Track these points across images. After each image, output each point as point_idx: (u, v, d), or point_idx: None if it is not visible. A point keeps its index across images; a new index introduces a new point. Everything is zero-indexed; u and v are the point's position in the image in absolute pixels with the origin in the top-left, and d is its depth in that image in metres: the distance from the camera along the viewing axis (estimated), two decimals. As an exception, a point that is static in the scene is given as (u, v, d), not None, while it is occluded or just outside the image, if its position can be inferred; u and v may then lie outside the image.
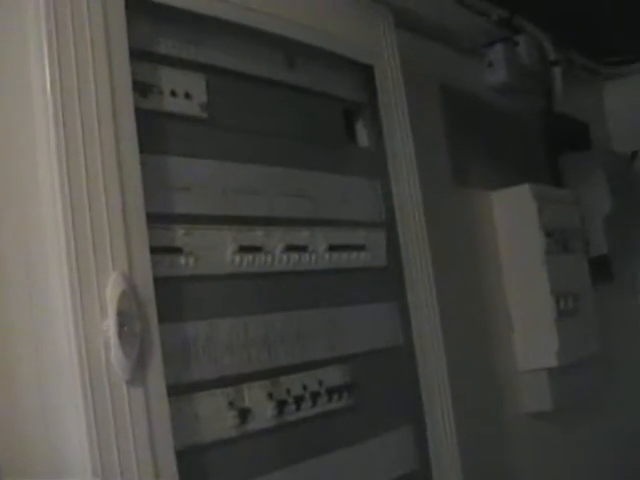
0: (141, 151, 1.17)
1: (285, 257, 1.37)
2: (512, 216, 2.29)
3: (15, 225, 1.12)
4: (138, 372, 1.09)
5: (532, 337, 2.25)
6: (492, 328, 2.24)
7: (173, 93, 1.26)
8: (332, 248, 1.47)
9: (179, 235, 1.22)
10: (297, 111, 1.47)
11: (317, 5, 1.51)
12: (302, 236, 1.42)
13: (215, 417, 1.22)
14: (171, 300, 1.19)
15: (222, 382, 1.24)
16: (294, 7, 1.45)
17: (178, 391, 1.17)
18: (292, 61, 1.47)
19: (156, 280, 1.15)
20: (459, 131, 2.22)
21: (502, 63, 2.39)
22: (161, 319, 1.15)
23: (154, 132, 1.22)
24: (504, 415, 2.21)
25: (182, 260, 1.22)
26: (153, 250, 1.16)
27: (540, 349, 2.23)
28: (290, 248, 1.38)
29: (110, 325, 1.07)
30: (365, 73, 1.63)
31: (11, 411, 1.13)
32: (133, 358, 1.08)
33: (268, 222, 1.36)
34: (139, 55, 1.22)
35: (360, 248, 1.53)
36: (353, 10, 1.60)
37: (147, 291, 1.12)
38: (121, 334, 1.07)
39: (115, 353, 1.07)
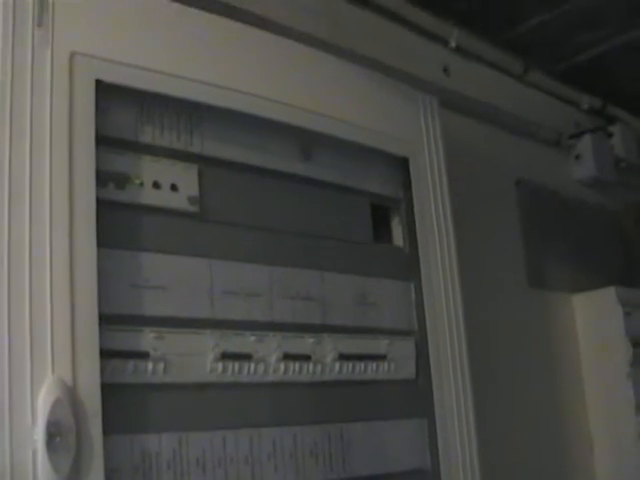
0: (112, 247, 1.09)
1: (282, 366, 1.25)
2: (595, 322, 2.09)
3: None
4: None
5: (614, 458, 2.01)
6: (570, 446, 2.03)
7: (156, 185, 1.17)
8: (343, 357, 1.32)
9: (148, 339, 1.12)
10: (312, 206, 1.36)
11: (338, 91, 1.40)
12: (305, 343, 1.29)
13: None
14: (133, 409, 1.08)
15: (189, 504, 1.11)
16: (309, 93, 1.34)
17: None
18: (308, 152, 1.35)
19: (114, 387, 1.05)
20: (537, 228, 2.06)
21: (591, 156, 2.21)
22: (117, 430, 1.04)
23: (131, 226, 1.13)
24: None
25: (149, 366, 1.11)
26: (115, 354, 1.07)
27: (622, 471, 1.99)
28: (289, 356, 1.25)
29: (38, 435, 0.96)
30: (400, 166, 1.49)
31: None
32: (64, 473, 0.97)
33: (264, 327, 1.24)
34: (119, 144, 1.14)
35: (380, 358, 1.38)
36: (385, 96, 1.48)
37: (91, 400, 1.02)
38: (51, 446, 0.97)
39: (42, 466, 0.96)
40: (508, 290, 1.96)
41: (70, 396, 0.99)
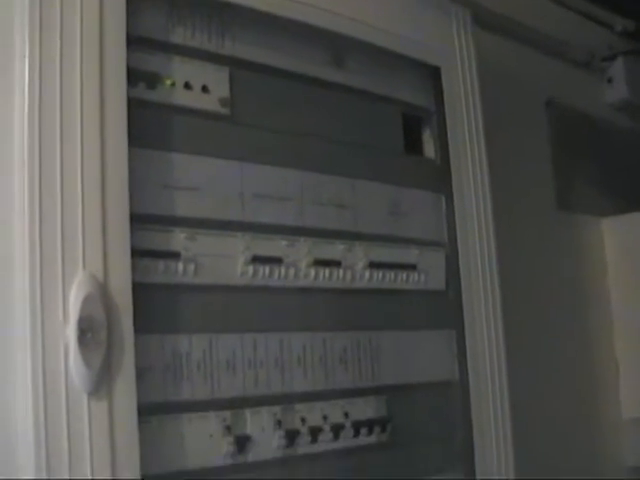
0: (143, 146, 1.07)
1: (312, 272, 1.24)
2: (624, 247, 2.06)
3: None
4: (102, 384, 0.98)
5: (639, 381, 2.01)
6: (596, 370, 2.02)
7: (187, 86, 1.15)
8: (373, 265, 1.31)
9: (179, 239, 1.11)
10: (344, 113, 1.34)
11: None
12: (336, 250, 1.28)
13: (206, 442, 1.10)
14: (163, 309, 1.08)
15: (218, 404, 1.12)
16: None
17: (162, 410, 1.05)
18: (341, 58, 1.33)
19: (146, 286, 1.04)
20: (567, 151, 2.03)
21: (624, 79, 2.17)
22: (149, 329, 1.04)
23: (161, 126, 1.12)
24: (603, 468, 1.98)
25: (180, 266, 1.10)
26: (145, 254, 1.06)
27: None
28: (319, 262, 1.24)
29: (71, 330, 0.96)
30: (432, 76, 1.47)
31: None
32: (96, 368, 0.97)
33: (295, 232, 1.23)
34: (151, 44, 1.12)
35: (410, 268, 1.37)
36: (419, 5, 1.45)
37: (123, 297, 1.01)
38: (83, 341, 0.96)
39: (75, 360, 0.95)
40: (537, 211, 1.94)
41: (101, 292, 0.98)
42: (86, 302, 0.97)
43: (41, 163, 0.97)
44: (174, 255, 1.10)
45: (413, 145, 1.46)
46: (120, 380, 0.99)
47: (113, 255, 1.01)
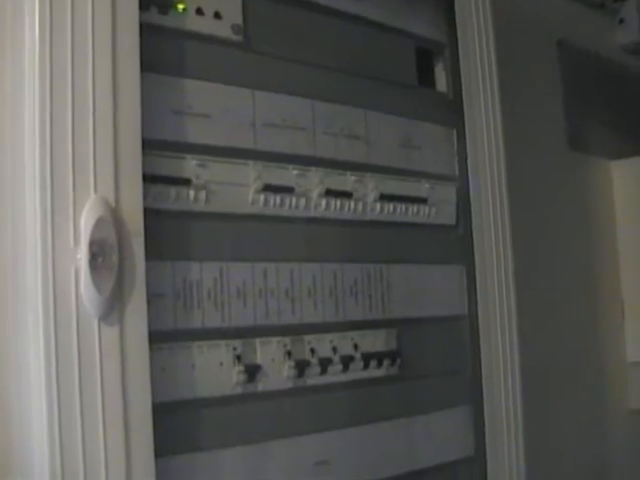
0: (155, 71, 1.06)
1: (324, 202, 1.23)
2: (632, 190, 2.05)
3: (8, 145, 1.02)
4: (113, 310, 0.97)
5: (643, 322, 2.01)
6: (601, 312, 2.02)
7: (199, 11, 1.13)
8: (384, 198, 1.30)
9: (191, 166, 1.09)
10: (357, 44, 1.32)
11: None
12: (348, 181, 1.27)
13: (216, 371, 1.09)
14: (175, 236, 1.07)
15: (229, 333, 1.11)
16: None
17: (173, 338, 1.05)
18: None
19: (157, 212, 1.03)
20: (578, 92, 2.01)
21: (636, 20, 2.14)
22: (160, 256, 1.03)
23: (173, 52, 1.10)
24: (607, 410, 1.99)
25: (191, 193, 1.09)
26: (157, 180, 1.05)
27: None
28: (331, 193, 1.23)
29: (81, 254, 0.95)
30: (445, 9, 1.44)
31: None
32: (107, 293, 0.96)
33: (307, 161, 1.22)
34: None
35: (421, 201, 1.36)
36: None
37: (134, 222, 1.00)
38: (94, 265, 0.95)
39: (85, 285, 0.95)
40: (548, 150, 1.93)
41: (113, 216, 0.97)
42: (97, 226, 0.96)
43: (52, 87, 0.96)
44: (185, 182, 1.08)
45: (425, 78, 1.44)
46: (131, 305, 0.99)
47: (125, 180, 1.00)
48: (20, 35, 0.98)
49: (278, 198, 1.17)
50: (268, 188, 1.16)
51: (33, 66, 0.96)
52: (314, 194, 1.21)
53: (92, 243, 0.96)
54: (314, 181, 1.22)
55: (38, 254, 0.94)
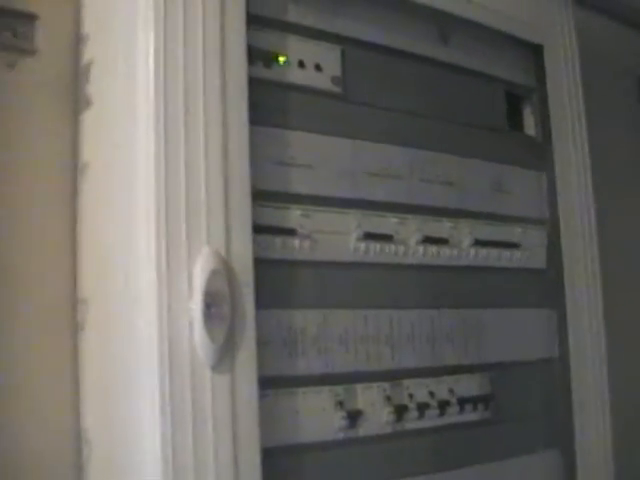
0: (260, 124, 1.09)
1: (421, 249, 1.25)
2: None
3: (116, 194, 1.06)
4: (225, 358, 1.00)
5: None
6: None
7: (301, 64, 1.16)
8: (478, 243, 1.32)
9: (295, 216, 1.12)
10: (449, 91, 1.34)
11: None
12: (444, 227, 1.29)
13: (319, 417, 1.12)
14: (280, 285, 1.10)
15: (331, 379, 1.13)
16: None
17: (278, 384, 1.07)
18: (446, 36, 1.33)
19: (263, 262, 1.06)
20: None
21: None
22: (267, 304, 1.06)
23: (277, 104, 1.13)
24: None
25: (296, 243, 1.11)
26: (263, 230, 1.08)
27: None
28: (428, 239, 1.25)
29: (196, 305, 0.98)
30: (534, 53, 1.46)
31: (103, 382, 1.09)
32: (219, 342, 0.99)
33: (404, 209, 1.24)
34: (265, 22, 1.13)
35: (513, 246, 1.38)
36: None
37: (245, 272, 1.03)
38: (207, 316, 0.98)
39: (199, 335, 0.98)
40: (633, 192, 1.93)
41: (225, 267, 1.00)
42: (211, 277, 0.99)
43: (166, 141, 0.99)
44: (290, 231, 1.11)
45: (513, 122, 1.45)
46: (241, 354, 1.01)
47: (235, 231, 1.03)
48: (134, 93, 1.02)
49: (378, 246, 1.20)
50: (368, 236, 1.18)
51: (147, 122, 1.00)
52: (412, 241, 1.24)
53: (206, 294, 0.99)
54: (412, 228, 1.24)
55: (154, 305, 0.97)
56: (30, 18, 1.18)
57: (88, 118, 1.16)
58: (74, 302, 1.16)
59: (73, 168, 1.18)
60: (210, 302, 0.99)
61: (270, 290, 1.07)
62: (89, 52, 1.18)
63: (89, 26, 1.19)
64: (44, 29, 1.18)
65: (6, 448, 1.09)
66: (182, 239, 0.99)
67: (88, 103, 1.16)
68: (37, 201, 1.16)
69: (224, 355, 1.00)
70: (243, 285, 1.02)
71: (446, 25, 1.33)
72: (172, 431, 0.96)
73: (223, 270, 1.00)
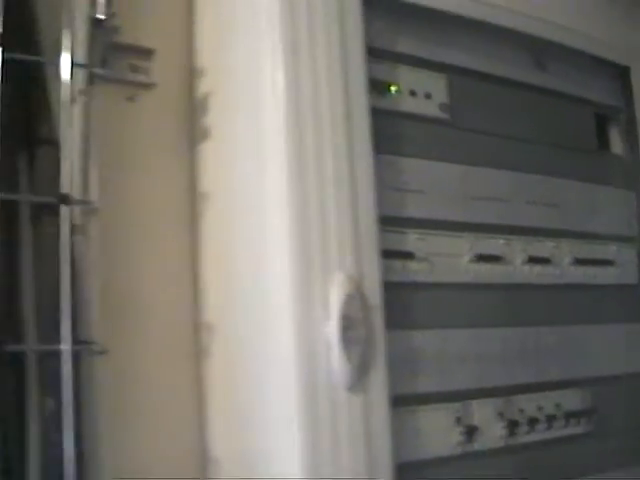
0: (375, 151, 1.12)
1: (526, 268, 1.29)
2: None
3: (243, 222, 1.11)
4: (360, 379, 1.04)
5: None
6: None
7: (412, 93, 1.21)
8: (578, 262, 1.36)
9: (412, 240, 1.17)
10: (545, 115, 1.38)
11: (568, 2, 1.41)
12: (546, 247, 1.33)
13: (440, 433, 1.16)
14: (400, 307, 1.14)
15: (450, 397, 1.18)
16: (543, 4, 1.36)
17: (401, 402, 1.11)
18: (541, 62, 1.37)
19: (388, 285, 1.10)
20: None
21: None
22: (388, 326, 1.09)
23: (391, 132, 1.18)
24: None
25: (414, 266, 1.16)
26: (383, 254, 1.11)
27: None
28: (532, 259, 1.30)
29: (333, 328, 1.02)
30: (621, 75, 1.50)
31: (231, 404, 1.13)
32: (355, 364, 1.03)
33: (509, 231, 1.28)
34: (377, 53, 1.17)
35: (609, 263, 1.42)
36: (608, 8, 1.49)
37: (374, 296, 1.07)
38: (344, 338, 1.03)
39: (337, 357, 1.02)
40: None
41: (358, 292, 1.04)
42: (346, 301, 1.03)
43: (298, 173, 1.04)
44: (409, 255, 1.16)
45: (601, 143, 1.49)
46: (374, 374, 1.06)
47: (364, 256, 1.07)
48: (262, 126, 1.07)
49: (488, 267, 1.24)
50: (480, 258, 1.23)
51: (279, 154, 1.04)
52: (518, 261, 1.28)
53: (342, 318, 1.03)
54: (517, 249, 1.28)
55: (291, 329, 1.01)
56: (147, 53, 1.22)
57: (207, 149, 1.21)
58: (197, 327, 1.19)
59: (192, 196, 1.22)
60: (346, 325, 1.03)
61: (391, 312, 1.11)
62: (205, 84, 1.22)
63: (204, 59, 1.23)
64: (160, 63, 1.23)
65: (136, 465, 1.13)
66: (316, 265, 1.03)
67: (206, 134, 1.20)
68: (158, 229, 1.20)
69: (359, 376, 1.03)
70: (373, 308, 1.06)
71: (540, 51, 1.37)
72: (312, 450, 1.00)
73: (356, 294, 1.04)
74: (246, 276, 1.10)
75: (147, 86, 1.21)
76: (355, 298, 1.04)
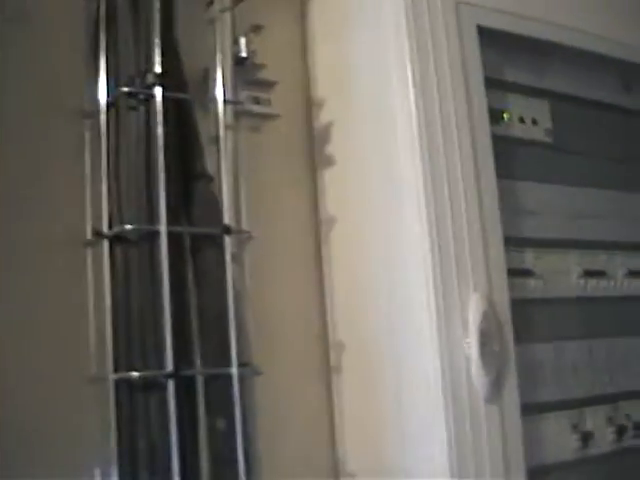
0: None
1: (626, 282, 1.37)
2: None
3: (375, 246, 1.18)
4: (495, 390, 1.12)
5: None
6: None
7: (521, 119, 1.29)
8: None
9: (529, 258, 1.24)
10: (626, 133, 1.46)
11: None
12: (641, 262, 1.41)
13: (558, 439, 1.23)
14: (521, 322, 1.21)
15: (566, 405, 1.25)
16: (631, 30, 1.43)
17: (526, 411, 1.18)
18: (629, 84, 1.45)
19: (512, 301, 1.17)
20: None
21: None
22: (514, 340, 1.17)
23: (504, 157, 1.25)
24: None
25: (532, 283, 1.24)
26: (509, 272, 1.19)
27: None
28: (632, 273, 1.38)
29: (472, 343, 1.10)
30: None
31: (371, 416, 1.20)
32: (492, 376, 1.11)
33: (610, 246, 1.36)
34: (489, 83, 1.24)
35: None
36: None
37: (504, 312, 1.15)
38: (482, 353, 1.10)
39: (476, 370, 1.10)
40: None
41: (491, 309, 1.12)
42: (483, 319, 1.11)
43: (434, 200, 1.12)
44: (527, 273, 1.23)
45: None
46: (507, 385, 1.14)
47: (494, 276, 1.15)
48: (395, 156, 1.16)
49: (594, 281, 1.31)
50: (587, 273, 1.30)
51: (415, 182, 1.13)
52: (619, 275, 1.36)
53: (480, 334, 1.10)
54: (617, 263, 1.36)
55: (434, 346, 1.09)
56: (269, 85, 1.28)
57: (330, 175, 1.28)
58: (328, 347, 1.27)
59: (315, 220, 1.29)
60: (483, 341, 1.11)
61: (515, 327, 1.19)
62: (326, 114, 1.29)
63: (324, 89, 1.30)
64: (282, 95, 1.29)
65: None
66: (454, 287, 1.11)
67: (330, 161, 1.27)
68: (286, 251, 1.26)
69: (494, 387, 1.11)
70: (504, 324, 1.14)
71: (627, 74, 1.45)
72: (456, 460, 1.07)
73: (490, 312, 1.12)
74: (382, 298, 1.18)
75: (270, 117, 1.27)
76: (490, 315, 1.12)
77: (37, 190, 1.05)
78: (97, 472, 1.01)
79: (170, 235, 1.03)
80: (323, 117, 1.30)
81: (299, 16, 1.35)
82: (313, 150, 1.32)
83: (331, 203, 1.28)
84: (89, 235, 1.07)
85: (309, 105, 1.33)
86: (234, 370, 1.04)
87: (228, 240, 1.08)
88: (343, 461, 1.24)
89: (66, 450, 1.01)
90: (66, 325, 1.05)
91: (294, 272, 1.27)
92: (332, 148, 1.28)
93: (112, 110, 1.07)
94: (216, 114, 1.13)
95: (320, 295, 1.28)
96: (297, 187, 1.30)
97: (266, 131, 1.29)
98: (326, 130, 1.29)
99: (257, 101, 1.28)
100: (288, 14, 1.34)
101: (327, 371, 1.27)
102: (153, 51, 1.06)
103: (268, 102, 1.29)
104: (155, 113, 1.05)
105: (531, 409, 1.21)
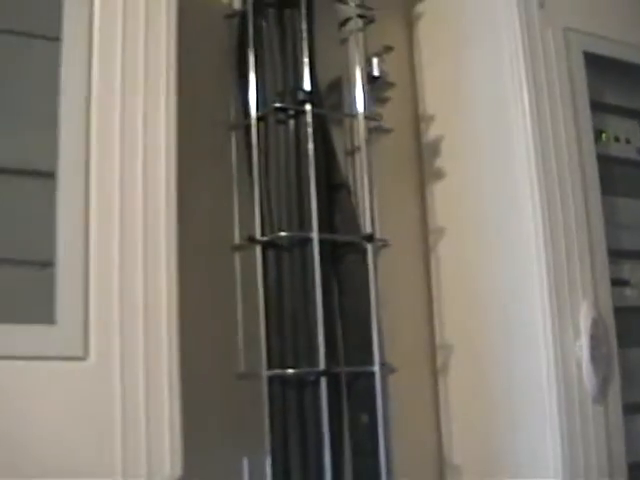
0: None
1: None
2: None
3: (494, 260, 1.29)
4: (601, 391, 1.21)
5: None
6: None
7: (617, 139, 1.38)
8: None
9: (626, 269, 1.34)
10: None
11: None
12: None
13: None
14: (620, 328, 1.30)
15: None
16: None
17: (625, 411, 1.28)
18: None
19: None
20: None
21: None
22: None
23: (603, 175, 1.34)
24: None
25: (628, 292, 1.33)
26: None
27: None
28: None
29: (583, 347, 1.20)
30: None
31: (480, 416, 1.29)
32: (600, 378, 1.20)
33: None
34: (591, 105, 1.34)
35: None
36: None
37: (609, 318, 1.24)
38: (592, 356, 1.20)
39: (586, 372, 1.19)
40: None
41: (599, 316, 1.22)
42: (592, 324, 1.20)
43: (550, 217, 1.22)
44: (625, 282, 1.33)
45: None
46: (612, 387, 1.23)
47: (600, 285, 1.25)
48: (510, 172, 1.26)
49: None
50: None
51: (531, 199, 1.23)
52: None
53: (591, 338, 1.20)
54: None
55: (550, 350, 1.19)
56: (382, 101, 1.37)
57: (440, 188, 1.37)
58: (436, 349, 1.36)
59: (424, 229, 1.38)
60: (593, 345, 1.20)
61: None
62: (435, 129, 1.38)
63: (431, 105, 1.39)
64: (393, 110, 1.38)
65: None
66: (566, 295, 1.21)
67: (437, 174, 1.37)
68: (398, 258, 1.34)
69: (602, 388, 1.21)
70: (610, 329, 1.24)
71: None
72: (569, 458, 1.17)
73: (598, 317, 1.22)
74: (493, 305, 1.28)
75: (383, 131, 1.36)
76: (598, 321, 1.21)
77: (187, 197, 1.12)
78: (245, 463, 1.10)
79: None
80: (432, 132, 1.39)
81: (408, 36, 1.43)
82: (422, 163, 1.40)
83: (441, 214, 1.37)
84: (237, 240, 1.15)
85: (418, 120, 1.41)
86: (376, 368, 1.13)
87: (370, 247, 1.16)
88: (449, 460, 1.33)
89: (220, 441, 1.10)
90: (215, 325, 1.14)
91: (405, 279, 1.36)
92: (441, 162, 1.37)
93: (261, 123, 1.15)
94: (351, 128, 1.22)
95: (428, 302, 1.37)
96: (407, 198, 1.39)
97: (379, 145, 1.36)
98: (435, 144, 1.37)
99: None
100: (399, 36, 1.42)
101: (434, 372, 1.35)
102: (302, 70, 1.15)
103: (380, 116, 1.37)
104: (305, 127, 1.13)
105: (630, 408, 1.30)
